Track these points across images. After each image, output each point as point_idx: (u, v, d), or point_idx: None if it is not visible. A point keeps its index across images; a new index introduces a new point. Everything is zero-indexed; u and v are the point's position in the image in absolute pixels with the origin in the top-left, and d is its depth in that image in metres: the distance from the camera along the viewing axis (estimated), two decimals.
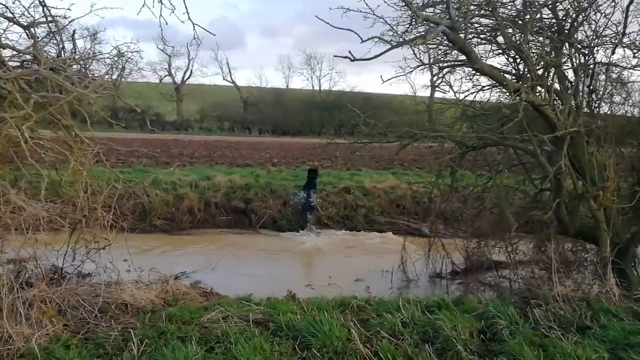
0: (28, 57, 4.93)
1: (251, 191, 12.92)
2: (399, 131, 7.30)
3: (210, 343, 4.20)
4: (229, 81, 56.07)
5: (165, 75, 53.90)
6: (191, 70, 54.69)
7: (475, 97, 7.48)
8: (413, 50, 6.64)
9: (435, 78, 8.07)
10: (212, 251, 10.50)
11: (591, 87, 7.20)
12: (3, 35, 4.91)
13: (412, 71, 7.05)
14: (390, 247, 11.01)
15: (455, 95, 7.55)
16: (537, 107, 6.06)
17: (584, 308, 5.22)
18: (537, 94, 6.40)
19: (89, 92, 4.11)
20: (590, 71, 6.97)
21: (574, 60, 6.80)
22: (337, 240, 11.62)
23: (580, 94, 6.94)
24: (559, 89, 6.84)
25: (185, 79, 54.66)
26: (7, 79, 3.80)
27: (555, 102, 6.57)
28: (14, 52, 4.57)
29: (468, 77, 7.48)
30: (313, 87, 59.64)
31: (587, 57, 6.86)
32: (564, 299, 5.56)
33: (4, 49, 4.65)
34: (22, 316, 4.17)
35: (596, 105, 7.37)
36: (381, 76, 5.39)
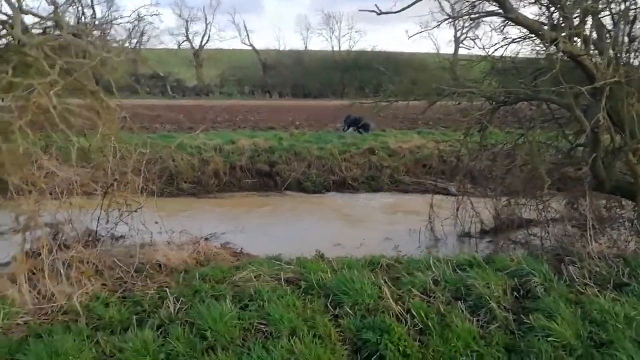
0: (50, 23, 4.89)
1: (275, 154, 12.91)
2: (427, 88, 7.06)
3: (243, 301, 4.28)
4: (247, 44, 55.40)
5: (184, 41, 53.60)
6: (209, 35, 54.22)
7: (505, 50, 7.12)
8: (440, 3, 6.33)
9: (459, 33, 7.79)
10: (240, 213, 10.64)
11: (631, 35, 6.77)
12: (24, 2, 4.87)
13: (438, 25, 6.76)
14: (417, 207, 10.97)
15: (483, 50, 7.22)
16: (575, 57, 5.74)
17: (621, 265, 5.09)
18: (574, 44, 6.05)
19: (112, 55, 4.05)
20: (630, 18, 6.53)
21: (613, 7, 6.36)
22: (364, 200, 11.61)
23: (620, 43, 6.54)
24: (596, 38, 6.46)
25: (203, 43, 54.23)
26: (32, 45, 3.77)
27: (593, 53, 6.23)
28: (36, 20, 4.51)
29: (498, 30, 7.10)
30: (332, 48, 58.48)
31: (627, 3, 6.41)
32: (599, 256, 5.43)
33: (26, 14, 4.61)
34: (62, 276, 4.31)
35: (636, 54, 6.96)
36: (406, 31, 5.36)
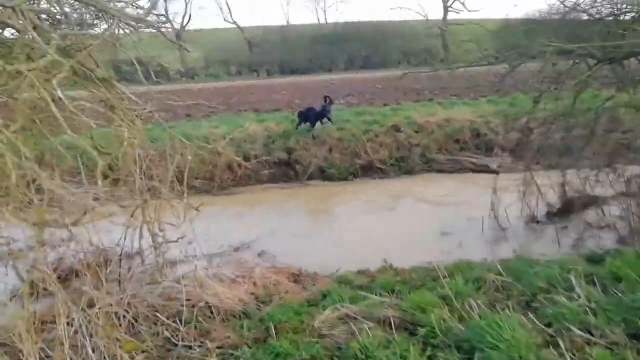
0: None
1: (291, 139, 11.51)
2: (502, 52, 5.75)
3: None
4: (230, 22, 52.84)
5: (165, 22, 50.79)
6: (190, 15, 51.51)
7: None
8: None
9: None
10: (264, 212, 9.35)
11: None
12: None
13: None
14: (462, 189, 9.77)
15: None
16: None
17: None
18: None
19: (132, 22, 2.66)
20: None
21: None
22: (399, 186, 10.36)
23: None
24: None
25: (184, 24, 51.57)
26: (12, 8, 2.36)
27: None
28: None
29: None
30: (318, 20, 56.17)
31: None
32: None
33: None
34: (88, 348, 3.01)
35: None
36: None
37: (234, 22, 52.44)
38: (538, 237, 7.16)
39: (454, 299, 3.71)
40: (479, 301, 3.71)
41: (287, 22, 56.86)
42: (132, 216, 3.80)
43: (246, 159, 10.96)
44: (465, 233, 7.38)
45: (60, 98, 2.43)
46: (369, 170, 11.13)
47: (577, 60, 5.97)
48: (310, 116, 11.71)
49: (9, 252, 3.67)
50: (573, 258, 4.80)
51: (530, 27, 6.69)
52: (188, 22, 51.28)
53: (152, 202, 3.87)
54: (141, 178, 3.55)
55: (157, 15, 4.07)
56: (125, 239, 4.18)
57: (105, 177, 3.46)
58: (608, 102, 6.39)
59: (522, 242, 7.05)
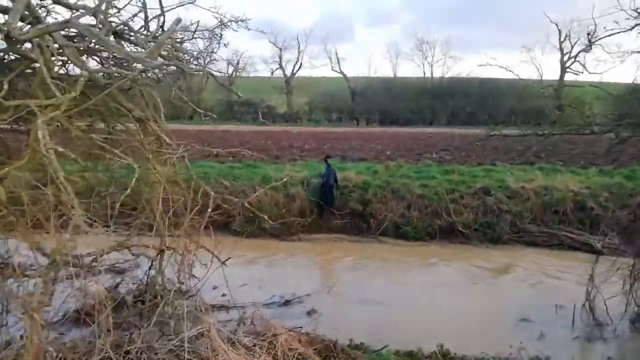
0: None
1: (369, 191, 11.07)
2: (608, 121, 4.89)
3: None
4: (337, 71, 54.96)
5: (277, 69, 54.53)
6: (301, 63, 54.68)
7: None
8: None
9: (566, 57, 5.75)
10: (328, 263, 8.93)
11: None
12: None
13: None
14: (555, 269, 8.47)
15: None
16: None
17: None
18: None
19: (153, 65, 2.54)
20: None
21: None
22: (480, 253, 9.33)
23: None
24: None
25: (295, 71, 54.74)
26: (28, 40, 2.35)
27: None
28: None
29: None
30: (424, 74, 56.13)
31: None
32: None
33: None
34: None
35: None
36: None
37: (341, 72, 54.46)
38: None
39: None
40: None
41: (395, 74, 57.74)
42: (155, 260, 3.63)
43: (320, 206, 10.79)
44: (550, 324, 6.24)
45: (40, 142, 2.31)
46: (448, 234, 10.22)
47: None
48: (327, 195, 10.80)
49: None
50: None
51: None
52: (299, 69, 54.47)
53: (177, 244, 3.67)
54: (166, 222, 3.37)
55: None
56: (147, 283, 4.02)
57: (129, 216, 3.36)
58: None
59: (621, 346, 5.75)
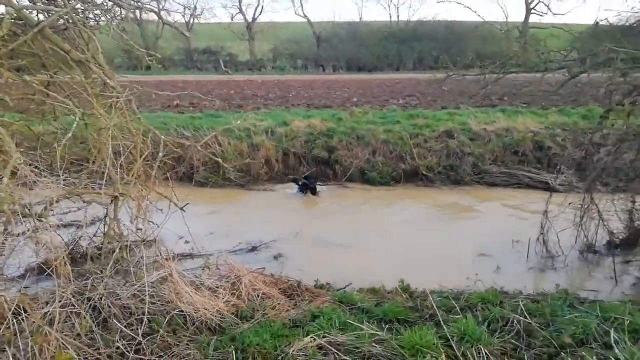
0: None
1: (334, 138, 11.03)
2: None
3: None
4: (300, 15, 53.13)
5: (237, 13, 52.22)
6: (262, 6, 52.56)
7: None
8: None
9: None
10: (295, 210, 8.99)
11: None
12: None
13: None
14: (513, 207, 8.82)
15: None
16: None
17: None
18: None
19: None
20: None
21: None
22: (442, 197, 9.58)
23: None
24: None
25: (256, 16, 52.58)
26: None
27: None
28: None
29: None
30: (390, 18, 55.02)
31: None
32: None
33: None
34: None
35: None
36: None
37: (305, 16, 52.74)
38: (592, 271, 6.20)
39: (457, 343, 3.09)
40: (487, 349, 3.07)
41: (360, 18, 56.32)
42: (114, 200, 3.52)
43: (285, 155, 10.73)
44: (507, 257, 6.57)
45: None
46: (413, 177, 10.40)
47: None
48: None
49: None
50: (623, 304, 3.93)
51: (599, 31, 5.74)
52: (260, 14, 52.40)
53: (130, 190, 3.56)
54: (118, 169, 3.25)
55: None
56: (106, 231, 3.94)
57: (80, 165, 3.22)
58: None
59: (571, 275, 6.14)
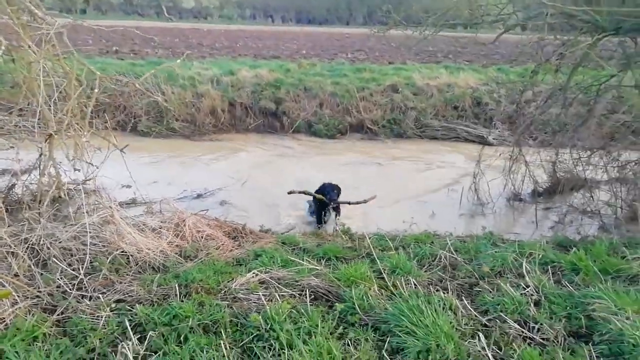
0: None
1: (281, 89, 10.95)
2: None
3: (247, 334, 2.74)
4: None
5: None
6: None
7: None
8: None
9: None
10: (241, 161, 8.98)
11: None
12: None
13: None
14: (451, 159, 9.29)
15: None
16: None
17: None
18: None
19: None
20: None
21: None
22: (386, 149, 9.88)
23: None
24: None
25: None
26: None
27: None
28: None
29: None
30: None
31: None
32: None
33: None
34: None
35: None
36: None
37: None
38: (517, 217, 6.76)
39: (388, 275, 3.37)
40: (416, 280, 3.37)
41: None
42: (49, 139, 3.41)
43: (231, 105, 10.56)
44: (441, 204, 7.01)
45: None
46: (358, 130, 10.63)
47: (582, 29, 5.33)
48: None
49: None
50: (538, 242, 4.40)
51: None
52: None
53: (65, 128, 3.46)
54: (51, 105, 3.13)
55: None
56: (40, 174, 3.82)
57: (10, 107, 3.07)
58: (612, 79, 5.78)
59: (498, 220, 6.67)
